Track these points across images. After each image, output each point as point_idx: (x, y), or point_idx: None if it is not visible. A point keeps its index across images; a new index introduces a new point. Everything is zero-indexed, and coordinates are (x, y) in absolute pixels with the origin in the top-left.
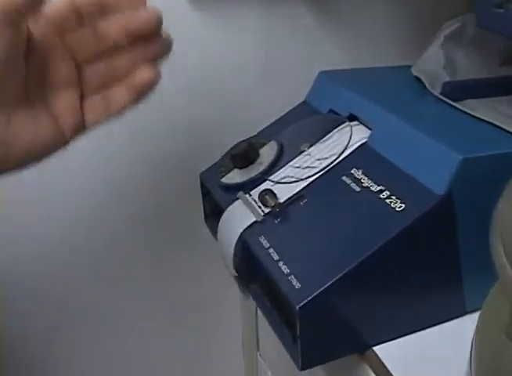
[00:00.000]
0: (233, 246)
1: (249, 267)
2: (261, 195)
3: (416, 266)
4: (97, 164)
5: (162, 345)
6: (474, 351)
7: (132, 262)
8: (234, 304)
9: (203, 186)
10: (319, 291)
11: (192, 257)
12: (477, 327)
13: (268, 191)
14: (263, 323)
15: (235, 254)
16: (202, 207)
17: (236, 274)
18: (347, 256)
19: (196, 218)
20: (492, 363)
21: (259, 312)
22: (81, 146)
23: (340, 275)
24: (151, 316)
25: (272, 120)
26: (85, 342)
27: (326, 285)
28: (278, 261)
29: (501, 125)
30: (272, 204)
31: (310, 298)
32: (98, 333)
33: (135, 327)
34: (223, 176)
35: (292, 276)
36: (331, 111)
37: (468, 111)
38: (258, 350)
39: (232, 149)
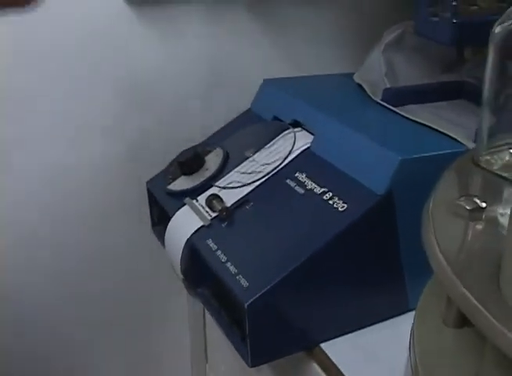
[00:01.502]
0: (181, 250)
1: (197, 270)
2: (208, 200)
3: (359, 264)
4: (37, 175)
5: (109, 361)
6: (413, 340)
7: (78, 272)
8: (182, 315)
9: (149, 194)
10: (266, 288)
11: (140, 267)
12: (416, 317)
13: (215, 196)
14: (212, 333)
15: (182, 259)
16: (149, 215)
17: (183, 278)
18: (292, 255)
19: (144, 227)
20: (429, 347)
21: (208, 323)
22: (24, 154)
23: (286, 273)
24: (92, 328)
25: (217, 128)
26: None
27: (273, 283)
28: (225, 262)
29: (438, 128)
30: (219, 209)
31: (258, 295)
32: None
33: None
34: (170, 183)
35: (240, 276)
36: (275, 118)
37: (407, 116)
38: (207, 362)
39: (178, 156)
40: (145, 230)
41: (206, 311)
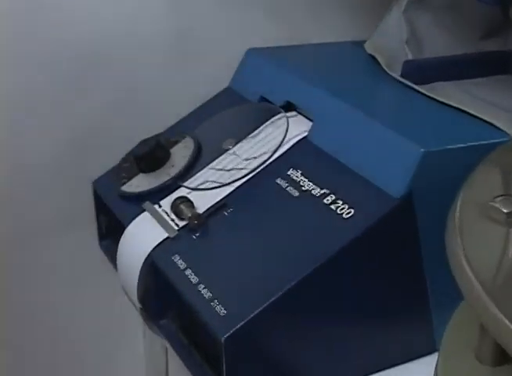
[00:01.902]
0: (138, 270)
1: (159, 296)
2: (175, 205)
3: (369, 287)
4: None
5: None
6: None
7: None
8: (137, 357)
9: (96, 197)
10: (248, 317)
11: (82, 294)
12: (441, 352)
13: (184, 200)
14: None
15: (140, 281)
16: (96, 225)
17: (141, 307)
18: (282, 276)
19: (88, 240)
20: None
21: (171, 367)
22: None
23: (275, 298)
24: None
25: (186, 112)
26: None
27: (258, 310)
28: (197, 284)
29: (473, 112)
30: (189, 216)
31: (238, 326)
32: None
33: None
34: (124, 184)
35: (215, 302)
36: (262, 99)
37: (433, 96)
38: None
39: (135, 149)
40: (93, 246)
41: (168, 351)
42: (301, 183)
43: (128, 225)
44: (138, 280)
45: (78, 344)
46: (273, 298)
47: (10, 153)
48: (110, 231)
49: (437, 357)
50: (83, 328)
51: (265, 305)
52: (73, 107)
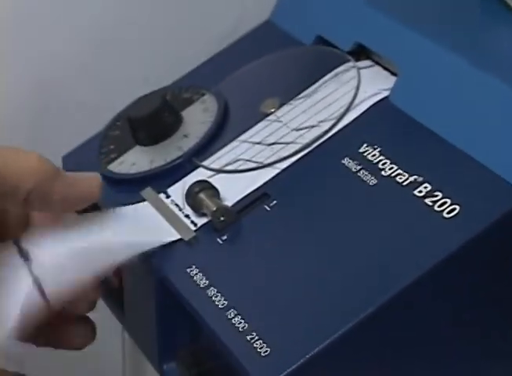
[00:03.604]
0: None
1: (169, 325)
2: (191, 194)
3: (477, 315)
4: None
5: None
6: None
7: None
8: None
9: None
10: (302, 360)
11: None
12: None
13: (204, 186)
14: None
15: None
16: None
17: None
18: (352, 298)
19: None
20: None
21: None
22: None
23: (343, 331)
24: None
25: (205, 57)
26: None
27: (316, 350)
28: (225, 309)
29: None
30: (212, 210)
31: (289, 371)
32: None
33: None
34: (112, 161)
35: (253, 336)
36: (320, 40)
37: None
38: None
39: (129, 109)
40: None
41: None
42: (380, 166)
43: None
44: None
45: None
46: (339, 332)
47: None
48: None
49: None
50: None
51: (327, 342)
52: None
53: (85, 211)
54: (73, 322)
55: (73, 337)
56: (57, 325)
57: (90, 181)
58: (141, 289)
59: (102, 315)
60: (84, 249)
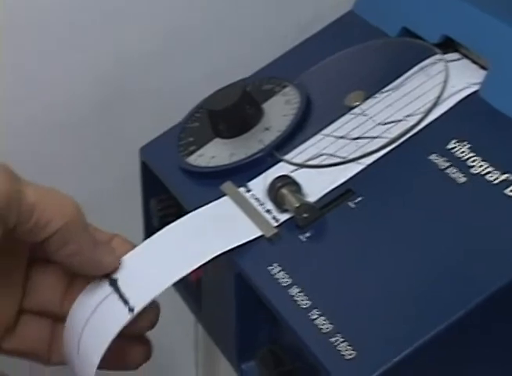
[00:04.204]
0: None
1: (249, 323)
2: (273, 189)
3: None
4: None
5: None
6: None
7: None
8: None
9: (146, 172)
10: (390, 363)
11: None
12: None
13: (287, 181)
14: None
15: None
16: (142, 214)
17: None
18: (440, 302)
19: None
20: None
21: None
22: None
23: (431, 335)
24: None
25: (283, 49)
26: None
27: (405, 353)
28: (309, 309)
29: None
30: (295, 206)
31: (375, 375)
32: None
33: None
34: (191, 153)
35: (338, 338)
36: (405, 31)
37: None
38: None
39: (208, 101)
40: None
41: None
42: (470, 163)
43: (194, 210)
44: None
45: None
46: (427, 337)
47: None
48: (166, 224)
49: None
50: None
51: (415, 346)
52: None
53: (165, 210)
54: (132, 342)
55: (130, 357)
56: (116, 346)
57: (109, 251)
58: (220, 285)
59: (175, 308)
60: (167, 258)
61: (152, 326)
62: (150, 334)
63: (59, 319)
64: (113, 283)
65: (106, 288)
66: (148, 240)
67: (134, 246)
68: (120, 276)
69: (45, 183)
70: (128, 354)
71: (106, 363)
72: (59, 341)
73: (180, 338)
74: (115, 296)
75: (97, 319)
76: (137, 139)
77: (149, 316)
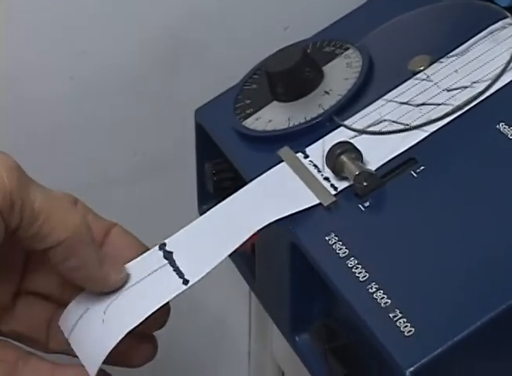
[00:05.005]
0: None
1: (303, 294)
2: (332, 155)
3: None
4: None
5: None
6: None
7: None
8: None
9: (201, 134)
10: (451, 342)
11: None
12: None
13: (346, 148)
14: None
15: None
16: (196, 180)
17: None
18: (502, 282)
19: (183, 201)
20: None
21: None
22: None
23: (491, 316)
24: None
25: (344, 11)
26: None
27: (466, 332)
28: (367, 283)
29: None
30: (355, 174)
31: (434, 354)
32: None
33: None
34: (248, 116)
35: (397, 313)
36: None
37: None
38: None
39: (267, 62)
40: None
41: None
42: None
43: (251, 181)
44: None
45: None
46: (490, 315)
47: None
48: (221, 189)
49: None
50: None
51: (475, 326)
52: None
53: (220, 175)
54: (139, 340)
55: (136, 355)
56: (124, 343)
57: (118, 270)
58: (275, 255)
59: (230, 277)
60: (223, 230)
61: (161, 326)
62: (206, 304)
63: (60, 304)
64: (169, 256)
65: (160, 259)
66: (204, 215)
67: (132, 236)
68: (176, 250)
69: (101, 139)
70: (134, 352)
71: (110, 358)
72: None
73: (234, 307)
74: (169, 268)
75: (145, 287)
76: (197, 99)
77: (160, 315)
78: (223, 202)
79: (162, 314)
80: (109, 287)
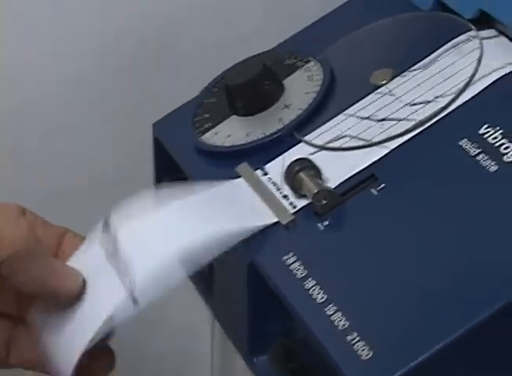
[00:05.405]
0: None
1: (261, 315)
2: (291, 172)
3: None
4: None
5: None
6: None
7: None
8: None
9: (159, 149)
10: (410, 366)
11: None
12: None
13: (305, 165)
14: None
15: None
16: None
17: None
18: (466, 301)
19: None
20: None
21: None
22: None
23: (455, 336)
24: None
25: (307, 20)
26: None
27: (426, 355)
28: (324, 304)
29: None
30: (314, 192)
31: None
32: None
33: None
34: (206, 131)
35: (354, 336)
36: (439, 5)
37: None
38: None
39: (226, 75)
40: None
41: None
42: (502, 150)
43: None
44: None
45: None
46: (450, 338)
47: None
48: None
49: None
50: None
51: (436, 348)
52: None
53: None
54: (97, 353)
55: (95, 368)
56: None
57: (72, 279)
58: (232, 275)
59: (192, 299)
60: (180, 251)
61: (109, 370)
62: (167, 320)
63: (18, 322)
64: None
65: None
66: (150, 216)
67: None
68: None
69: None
70: (93, 365)
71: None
72: (18, 343)
73: (196, 326)
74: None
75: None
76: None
77: (105, 359)
78: (171, 205)
79: (107, 358)
80: (63, 299)
